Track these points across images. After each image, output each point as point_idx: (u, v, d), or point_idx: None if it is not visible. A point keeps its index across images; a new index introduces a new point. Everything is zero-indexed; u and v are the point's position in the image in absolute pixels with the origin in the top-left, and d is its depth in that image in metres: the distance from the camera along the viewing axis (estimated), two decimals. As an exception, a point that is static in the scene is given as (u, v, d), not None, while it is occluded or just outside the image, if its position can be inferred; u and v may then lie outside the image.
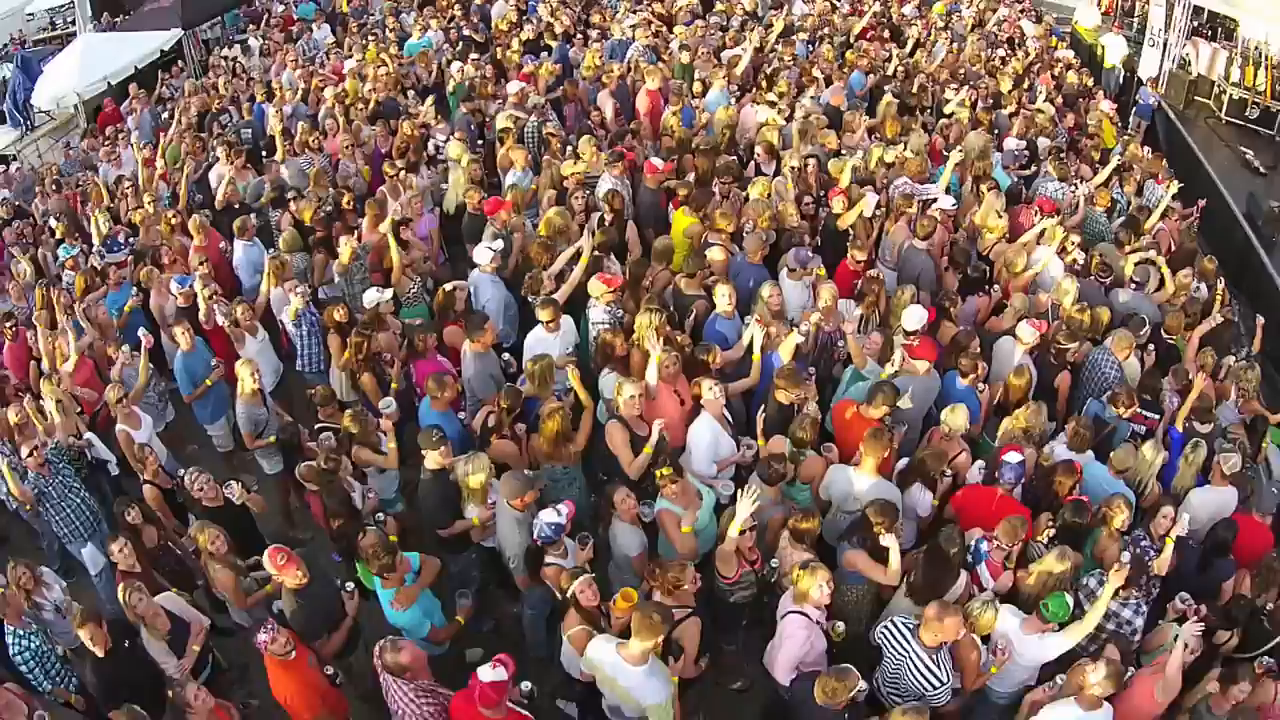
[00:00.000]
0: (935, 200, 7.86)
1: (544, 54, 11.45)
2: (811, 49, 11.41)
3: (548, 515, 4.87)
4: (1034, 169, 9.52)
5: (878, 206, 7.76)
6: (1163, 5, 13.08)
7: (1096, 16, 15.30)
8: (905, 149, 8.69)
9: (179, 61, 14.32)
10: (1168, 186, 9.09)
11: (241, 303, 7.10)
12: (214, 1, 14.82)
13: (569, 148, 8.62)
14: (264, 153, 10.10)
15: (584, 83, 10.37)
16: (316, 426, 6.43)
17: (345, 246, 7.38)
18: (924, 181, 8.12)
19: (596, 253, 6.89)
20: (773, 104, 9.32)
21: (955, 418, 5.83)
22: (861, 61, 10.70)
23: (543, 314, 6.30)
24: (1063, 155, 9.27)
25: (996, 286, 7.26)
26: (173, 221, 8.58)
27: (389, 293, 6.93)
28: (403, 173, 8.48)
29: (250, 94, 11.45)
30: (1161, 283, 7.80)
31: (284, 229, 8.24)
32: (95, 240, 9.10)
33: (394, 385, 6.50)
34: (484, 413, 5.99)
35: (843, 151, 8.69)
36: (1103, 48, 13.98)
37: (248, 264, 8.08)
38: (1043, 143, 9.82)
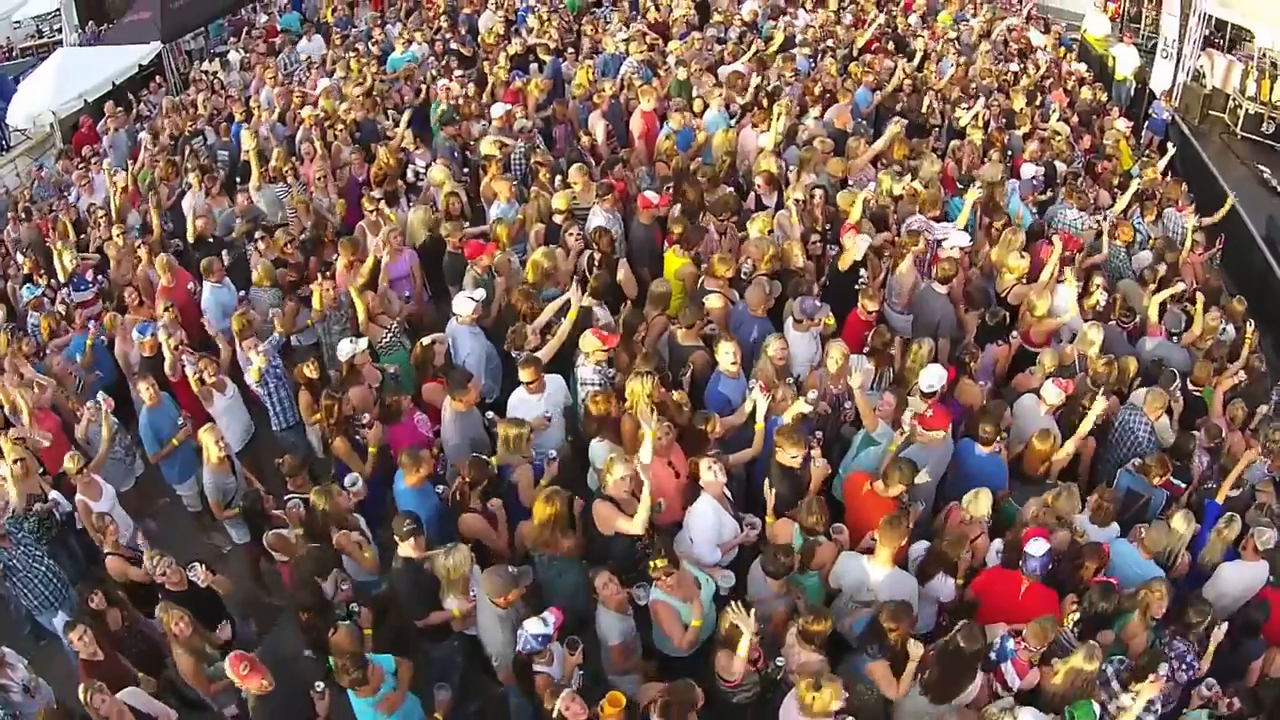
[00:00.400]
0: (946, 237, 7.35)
1: (534, 68, 10.77)
2: (814, 64, 10.80)
3: (533, 626, 4.35)
4: (1049, 194, 9.01)
5: (889, 244, 7.25)
6: (1176, 15, 12.51)
7: (1106, 25, 14.68)
8: (916, 178, 8.07)
9: (158, 77, 13.64)
10: (1190, 215, 8.61)
11: (205, 358, 6.53)
12: (194, 14, 14.10)
13: (558, 178, 8.00)
14: (238, 178, 9.58)
15: (574, 102, 9.72)
16: (286, 496, 5.97)
17: (317, 293, 6.78)
18: (938, 218, 7.57)
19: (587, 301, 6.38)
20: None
21: (978, 506, 5.26)
22: (867, 77, 10.07)
23: (524, 374, 5.72)
24: (1080, 181, 8.71)
25: (1015, 333, 6.71)
26: (141, 256, 8.00)
27: (363, 342, 6.32)
28: (382, 204, 7.82)
29: (228, 113, 10.90)
30: (1188, 324, 7.29)
31: (256, 266, 7.66)
32: (61, 276, 8.61)
33: (370, 449, 5.96)
34: (456, 484, 5.47)
35: (850, 182, 8.16)
36: (1113, 59, 13.32)
37: (216, 307, 7.41)
38: (1059, 167, 9.23)
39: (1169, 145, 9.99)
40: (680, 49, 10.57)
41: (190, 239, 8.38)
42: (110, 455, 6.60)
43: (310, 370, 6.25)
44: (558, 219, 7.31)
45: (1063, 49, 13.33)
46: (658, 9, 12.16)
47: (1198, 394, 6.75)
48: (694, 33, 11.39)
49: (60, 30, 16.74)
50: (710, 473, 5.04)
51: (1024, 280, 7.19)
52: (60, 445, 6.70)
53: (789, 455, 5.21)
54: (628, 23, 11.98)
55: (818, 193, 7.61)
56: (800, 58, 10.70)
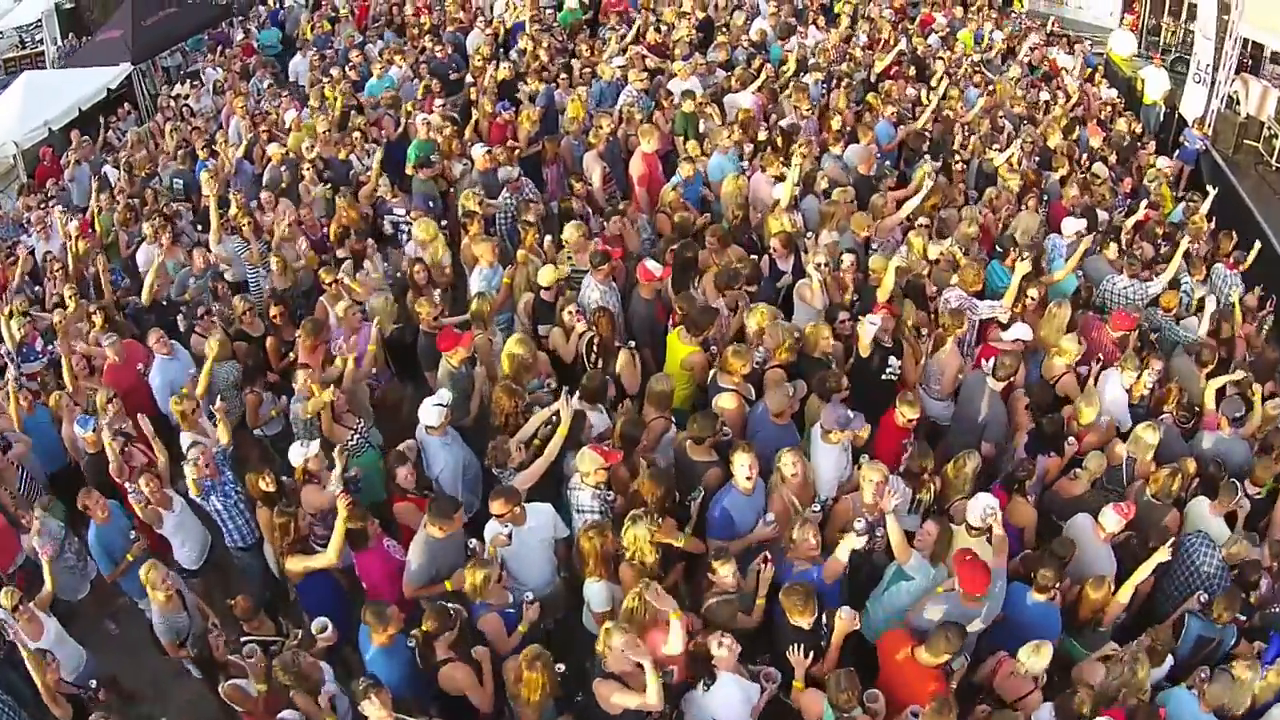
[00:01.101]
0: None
1: (526, 91, 9.46)
2: (826, 91, 9.70)
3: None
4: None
5: (931, 319, 6.26)
6: (1211, 39, 11.42)
7: (1132, 44, 13.53)
8: (952, 238, 7.02)
9: (125, 104, 12.29)
10: (1240, 273, 7.62)
11: (147, 474, 5.37)
12: (167, 32, 12.86)
13: (547, 239, 6.88)
14: (198, 226, 8.58)
15: (568, 138, 8.60)
16: (243, 639, 4.97)
17: (312, 396, 5.55)
18: (980, 293, 6.50)
19: (579, 404, 5.36)
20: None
21: (1038, 660, 4.30)
22: (889, 110, 8.98)
23: (495, 506, 4.63)
24: (1131, 240, 7.66)
25: (1071, 439, 5.60)
26: (94, 321, 6.87)
27: (315, 445, 5.26)
28: (342, 273, 6.68)
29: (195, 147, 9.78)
30: (1247, 410, 6.16)
31: (210, 339, 6.46)
32: (8, 344, 7.38)
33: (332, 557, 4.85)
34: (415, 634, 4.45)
35: (874, 246, 7.14)
36: (1142, 81, 12.16)
37: (164, 386, 6.32)
38: (1099, 215, 8.17)
39: (1209, 188, 8.97)
40: (684, 72, 9.35)
41: (145, 301, 7.34)
42: (61, 558, 5.64)
43: (266, 483, 5.17)
44: (547, 295, 6.21)
45: (1088, 69, 12.27)
46: (658, 30, 10.95)
47: (1258, 495, 5.69)
48: (697, 55, 10.19)
49: (43, 41, 15.67)
50: (722, 649, 4.10)
51: (1075, 369, 6.19)
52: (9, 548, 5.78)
53: (800, 620, 4.26)
54: (624, 46, 10.68)
55: (847, 258, 6.50)
56: (813, 85, 9.57)
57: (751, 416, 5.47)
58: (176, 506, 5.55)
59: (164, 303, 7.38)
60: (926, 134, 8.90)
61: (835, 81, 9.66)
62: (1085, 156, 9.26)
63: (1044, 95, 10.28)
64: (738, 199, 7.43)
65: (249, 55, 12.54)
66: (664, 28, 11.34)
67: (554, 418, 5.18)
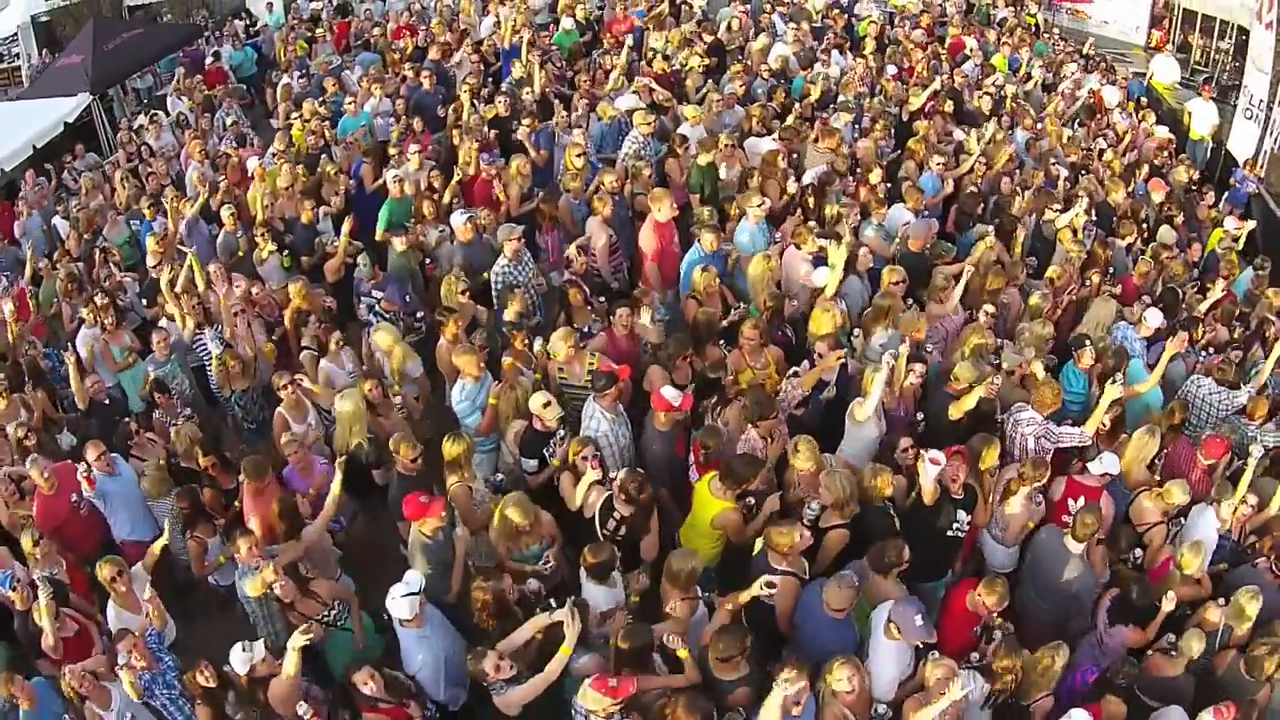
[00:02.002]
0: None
1: (522, 135, 7.86)
2: (858, 130, 8.20)
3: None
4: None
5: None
6: (1267, 72, 9.99)
7: (1176, 71, 12.05)
8: (1024, 341, 5.64)
9: (79, 146, 10.34)
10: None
11: (81, 673, 4.05)
12: (131, 58, 11.09)
13: (538, 343, 5.40)
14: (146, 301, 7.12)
15: (568, 196, 7.02)
16: None
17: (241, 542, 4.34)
18: (1060, 416, 5.13)
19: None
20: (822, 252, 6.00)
21: None
22: (935, 161, 7.41)
23: None
24: (1223, 345, 6.27)
25: (1170, 595, 4.29)
26: (25, 442, 5.43)
27: (259, 648, 3.97)
28: (301, 376, 5.35)
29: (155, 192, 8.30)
30: None
31: (146, 475, 5.19)
32: None
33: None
34: None
35: (929, 346, 5.72)
36: (1189, 115, 10.71)
37: (111, 511, 5.11)
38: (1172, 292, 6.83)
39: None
40: (696, 116, 7.81)
41: (80, 405, 5.93)
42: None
43: (206, 677, 3.92)
44: (545, 420, 4.78)
45: (1130, 102, 10.84)
46: (666, 59, 9.35)
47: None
48: (712, 94, 8.67)
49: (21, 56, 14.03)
50: None
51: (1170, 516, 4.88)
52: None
53: None
54: (629, 74, 9.14)
55: (916, 369, 5.14)
56: (843, 123, 8.01)
57: (803, 603, 4.13)
58: (116, 704, 4.15)
59: (107, 401, 6.00)
60: (976, 188, 7.49)
61: (870, 122, 8.18)
62: (1148, 214, 7.90)
63: (1101, 144, 8.82)
64: (769, 284, 6.01)
65: (216, 82, 10.89)
66: (671, 53, 9.81)
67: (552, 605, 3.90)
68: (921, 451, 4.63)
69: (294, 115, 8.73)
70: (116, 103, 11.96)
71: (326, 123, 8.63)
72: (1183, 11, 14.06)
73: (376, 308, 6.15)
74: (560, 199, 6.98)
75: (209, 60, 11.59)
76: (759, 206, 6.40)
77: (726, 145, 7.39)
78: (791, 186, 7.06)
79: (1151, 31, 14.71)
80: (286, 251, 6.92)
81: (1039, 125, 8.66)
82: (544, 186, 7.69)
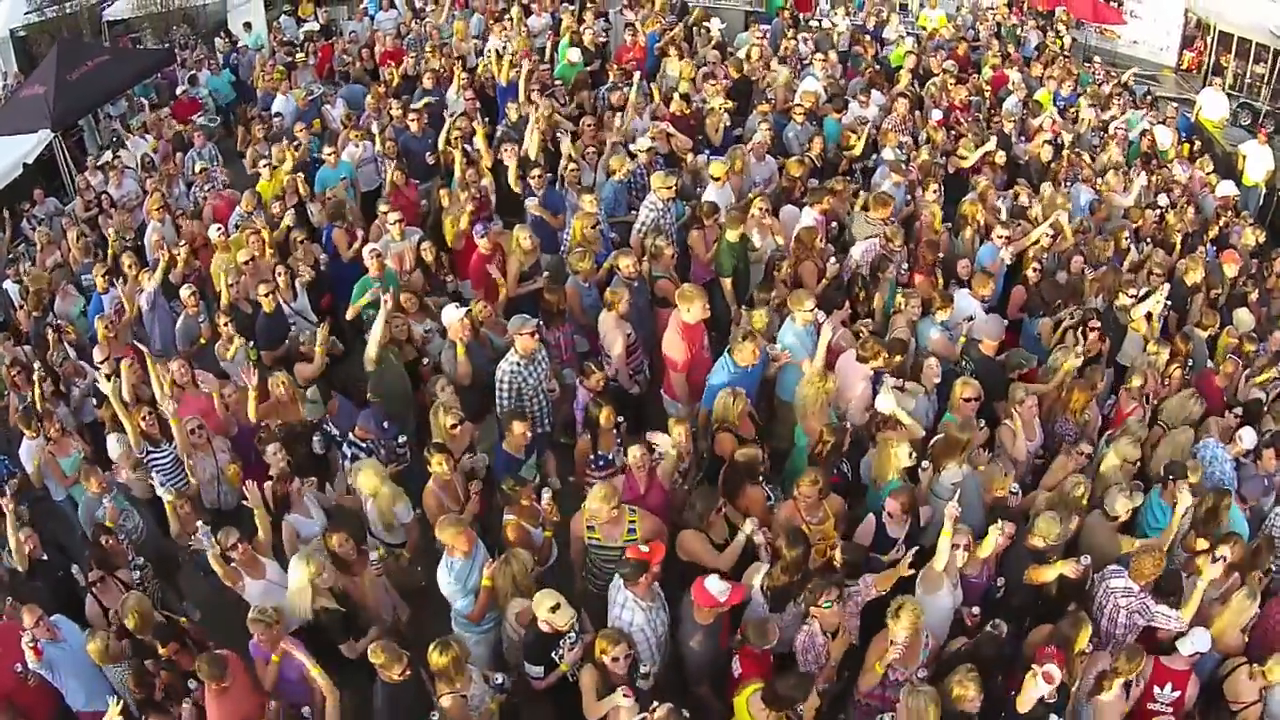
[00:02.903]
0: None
1: (531, 207, 6.39)
2: (910, 195, 6.81)
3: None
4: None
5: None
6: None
7: (1225, 107, 10.73)
8: (1121, 492, 4.43)
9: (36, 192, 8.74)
10: None
11: None
12: (97, 87, 9.54)
13: (545, 496, 4.22)
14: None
15: (576, 278, 5.71)
16: None
17: None
18: (1157, 588, 4.00)
19: None
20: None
21: None
22: (999, 234, 6.13)
23: None
24: None
25: None
26: None
27: None
28: (259, 537, 4.20)
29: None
30: None
31: (93, 639, 4.05)
32: None
33: None
34: None
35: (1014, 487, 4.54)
36: (1243, 158, 9.41)
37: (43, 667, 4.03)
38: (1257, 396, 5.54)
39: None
40: (724, 174, 6.46)
41: (17, 563, 4.62)
42: None
43: None
44: (555, 625, 3.62)
45: (1184, 143, 9.56)
46: (685, 99, 7.84)
47: None
48: (736, 146, 7.22)
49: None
50: None
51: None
52: None
53: None
54: (640, 110, 7.78)
55: (1006, 529, 4.06)
56: (890, 185, 6.69)
57: None
58: None
59: (43, 558, 4.73)
60: (1041, 264, 6.24)
61: (918, 178, 6.82)
62: (1220, 291, 6.68)
63: (1163, 202, 7.55)
64: (824, 409, 4.74)
65: (187, 114, 9.44)
66: (689, 92, 8.47)
67: None
68: (1034, 666, 3.52)
69: (263, 163, 7.30)
70: (88, 132, 10.54)
71: (300, 175, 7.16)
72: (1218, 34, 12.80)
73: (350, 439, 4.92)
74: (567, 283, 5.75)
75: (180, 88, 10.09)
76: (809, 309, 5.17)
77: (760, 212, 6.15)
78: (832, 268, 5.84)
79: (1183, 53, 13.47)
80: (253, 344, 5.71)
81: (1101, 181, 7.40)
82: (547, 249, 6.47)
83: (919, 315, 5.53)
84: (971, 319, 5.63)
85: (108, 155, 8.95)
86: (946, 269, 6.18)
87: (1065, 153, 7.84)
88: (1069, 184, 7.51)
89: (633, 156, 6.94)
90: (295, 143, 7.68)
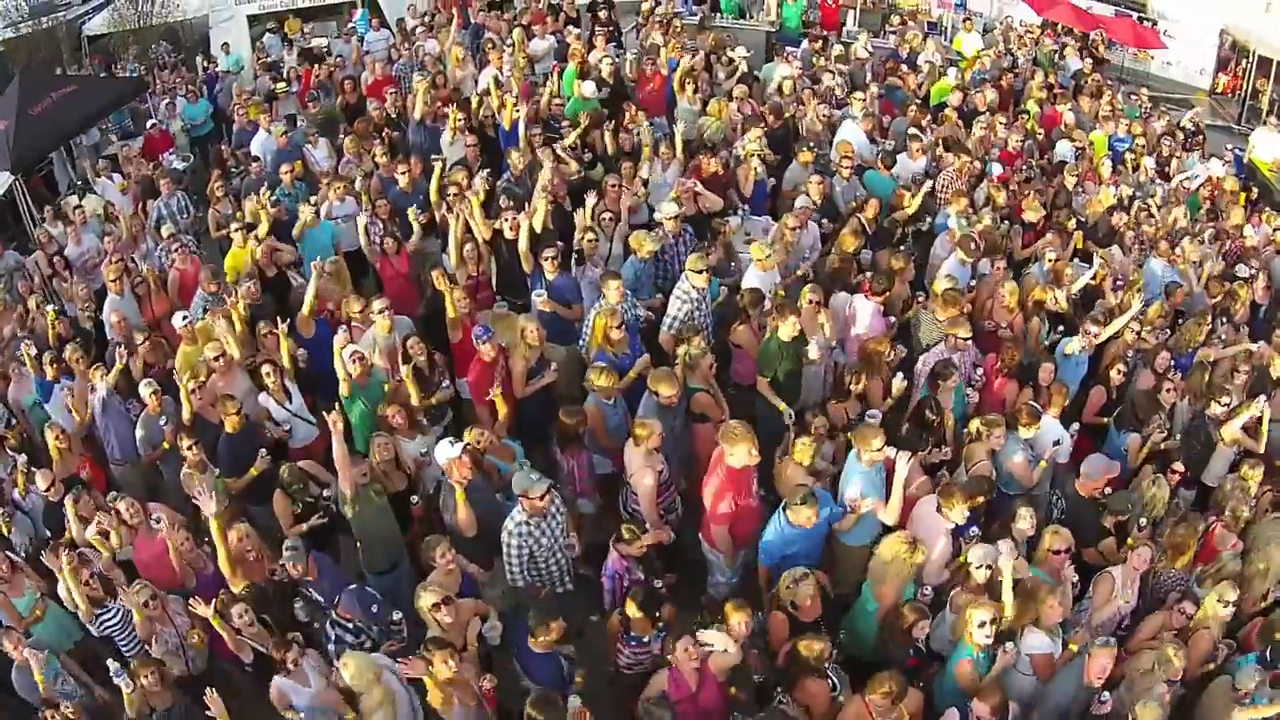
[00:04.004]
0: None
1: (540, 301, 5.13)
2: (973, 273, 5.53)
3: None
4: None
5: None
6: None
7: (1279, 147, 9.60)
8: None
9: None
10: None
11: None
12: (63, 120, 8.14)
13: (576, 700, 3.19)
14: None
15: (596, 396, 4.44)
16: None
17: None
18: None
19: None
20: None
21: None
22: (1089, 332, 5.00)
23: None
24: None
25: None
26: None
27: None
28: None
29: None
30: None
31: None
32: None
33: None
34: None
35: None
36: None
37: None
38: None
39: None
40: (767, 259, 5.14)
41: None
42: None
43: None
44: None
45: (1241, 192, 8.27)
46: (712, 151, 6.42)
47: None
48: (786, 232, 5.61)
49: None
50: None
51: None
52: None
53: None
54: (666, 162, 6.40)
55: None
56: (956, 263, 5.44)
57: None
58: None
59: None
60: (1126, 364, 5.11)
61: (984, 256, 5.57)
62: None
63: (1242, 273, 6.38)
64: (906, 581, 3.70)
65: (158, 151, 8.05)
66: (715, 136, 7.17)
67: None
68: None
69: (233, 228, 5.95)
70: (59, 165, 9.17)
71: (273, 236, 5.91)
72: (1257, 58, 11.54)
73: (332, 617, 3.80)
74: (588, 402, 4.54)
75: (150, 122, 8.60)
76: (877, 449, 4.02)
77: (812, 303, 4.93)
78: (899, 384, 4.67)
79: (1218, 76, 12.21)
80: (218, 474, 4.53)
81: (1176, 253, 6.18)
82: (560, 339, 5.26)
83: (1003, 444, 4.38)
84: (1058, 443, 4.55)
85: (73, 199, 7.62)
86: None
87: (1133, 213, 6.63)
88: (1141, 253, 6.31)
89: (650, 226, 5.73)
90: (273, 195, 6.34)
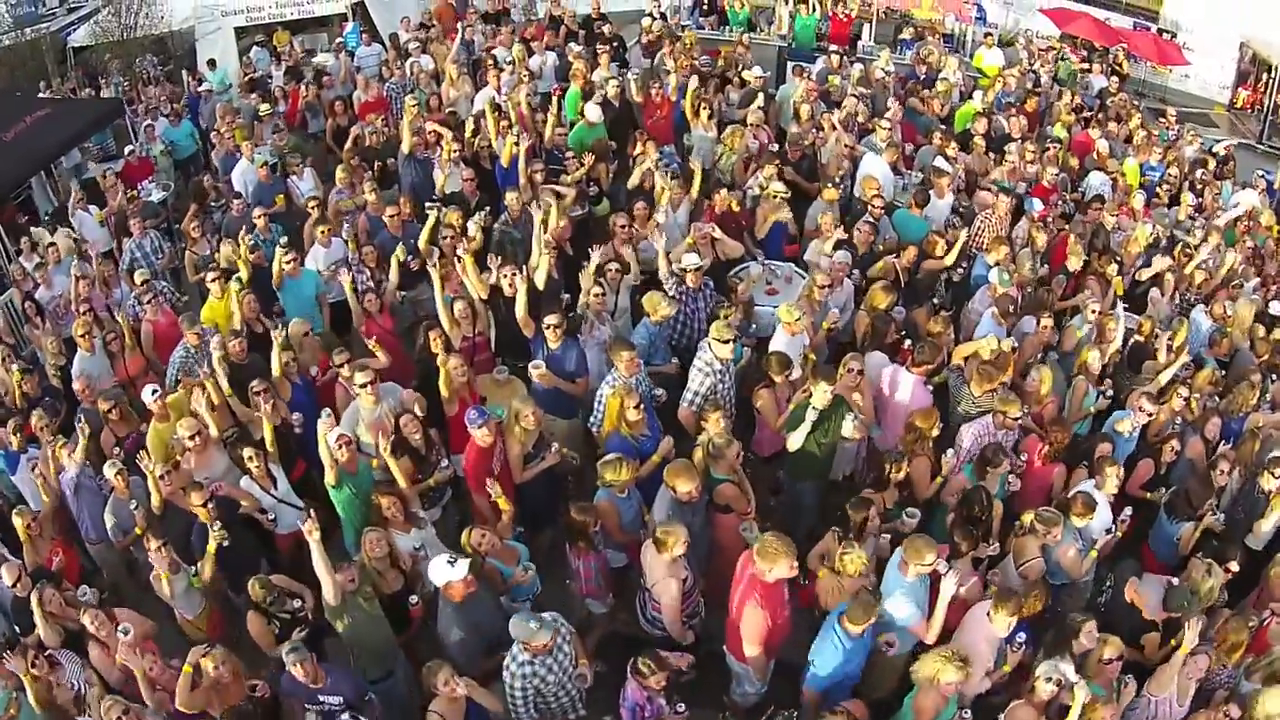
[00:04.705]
0: None
1: (538, 373, 4.50)
2: (1015, 334, 4.86)
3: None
4: None
5: None
6: None
7: None
8: None
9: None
10: None
11: None
12: (37, 147, 7.44)
13: None
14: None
15: (609, 495, 3.83)
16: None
17: None
18: None
19: None
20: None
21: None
22: (1143, 410, 4.40)
23: None
24: None
25: None
26: None
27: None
28: None
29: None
30: None
31: None
32: None
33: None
34: None
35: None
36: None
37: None
38: None
39: None
40: (795, 321, 4.46)
41: None
42: None
43: None
44: None
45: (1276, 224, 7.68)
46: (730, 188, 5.81)
47: None
48: (808, 283, 5.08)
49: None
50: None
51: None
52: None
53: None
54: (677, 203, 5.64)
55: None
56: (992, 323, 4.81)
57: None
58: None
59: None
60: (1181, 441, 4.54)
61: (1026, 307, 5.01)
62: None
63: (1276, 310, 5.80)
64: (947, 701, 3.18)
65: (137, 179, 7.31)
66: (729, 165, 6.50)
67: None
68: None
69: (209, 277, 5.30)
70: (38, 189, 8.46)
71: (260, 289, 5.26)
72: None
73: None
74: (599, 497, 3.96)
75: (130, 148, 7.90)
76: (929, 563, 3.45)
77: (851, 372, 4.33)
78: (949, 460, 4.10)
79: (1238, 90, 11.57)
80: (194, 572, 3.96)
81: (1230, 314, 5.56)
82: (560, 414, 4.65)
83: (1058, 540, 3.83)
84: (1110, 532, 4.00)
85: (45, 235, 6.95)
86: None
87: (1177, 254, 6.03)
88: (1183, 299, 5.72)
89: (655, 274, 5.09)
90: (252, 238, 5.68)
